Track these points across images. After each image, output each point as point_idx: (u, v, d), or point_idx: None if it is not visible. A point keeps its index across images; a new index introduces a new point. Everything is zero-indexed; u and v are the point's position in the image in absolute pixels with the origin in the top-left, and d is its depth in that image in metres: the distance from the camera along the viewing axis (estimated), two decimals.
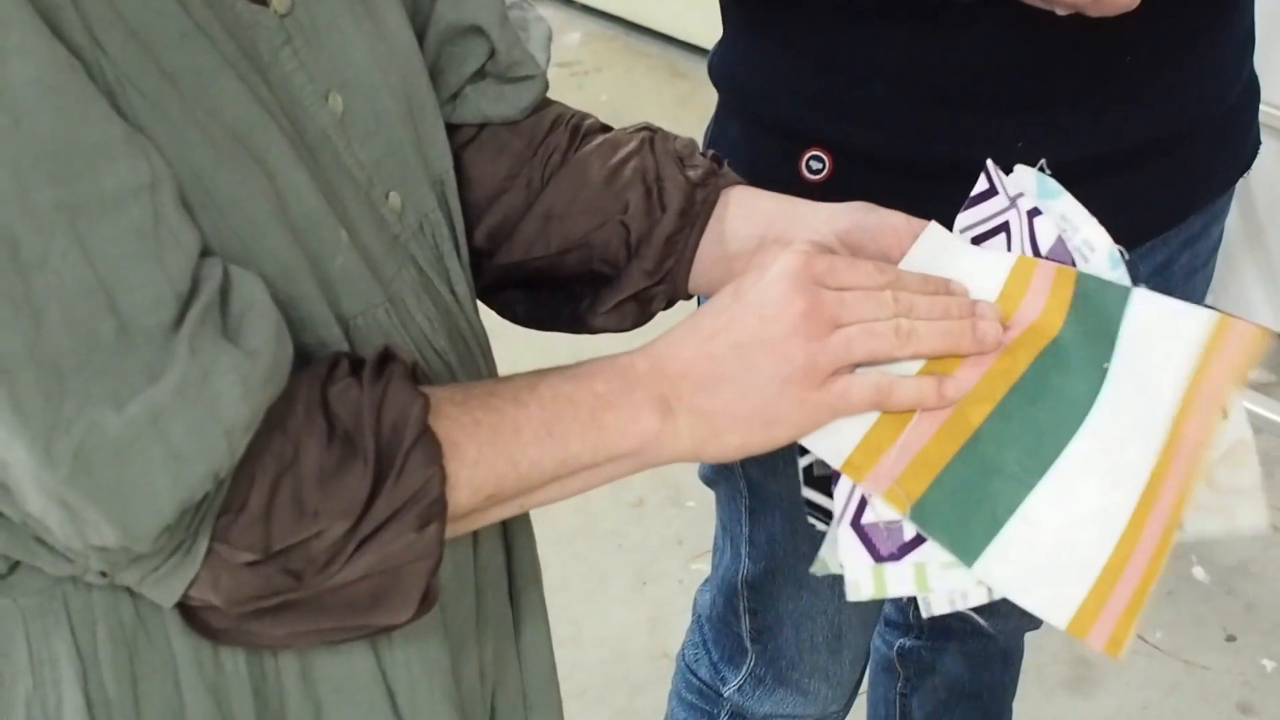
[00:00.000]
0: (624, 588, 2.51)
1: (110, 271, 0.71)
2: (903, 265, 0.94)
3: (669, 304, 1.04)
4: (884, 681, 1.90)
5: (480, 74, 1.00)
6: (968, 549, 0.87)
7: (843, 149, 1.29)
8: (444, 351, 0.93)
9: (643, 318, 1.04)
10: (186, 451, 0.73)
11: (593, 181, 1.01)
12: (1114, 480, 0.89)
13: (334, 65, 0.86)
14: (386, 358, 0.82)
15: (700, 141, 1.41)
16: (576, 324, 1.05)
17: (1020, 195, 0.98)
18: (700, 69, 1.42)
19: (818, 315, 0.85)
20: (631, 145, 1.02)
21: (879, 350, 0.87)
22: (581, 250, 1.02)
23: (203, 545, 0.77)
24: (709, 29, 1.45)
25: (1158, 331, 0.92)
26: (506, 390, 0.85)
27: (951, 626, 1.77)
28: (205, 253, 0.76)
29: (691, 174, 1.01)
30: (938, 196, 1.25)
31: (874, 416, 0.89)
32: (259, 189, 0.80)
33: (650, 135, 1.03)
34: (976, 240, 0.97)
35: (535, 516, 1.03)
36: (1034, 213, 0.97)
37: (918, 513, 0.87)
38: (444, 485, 0.81)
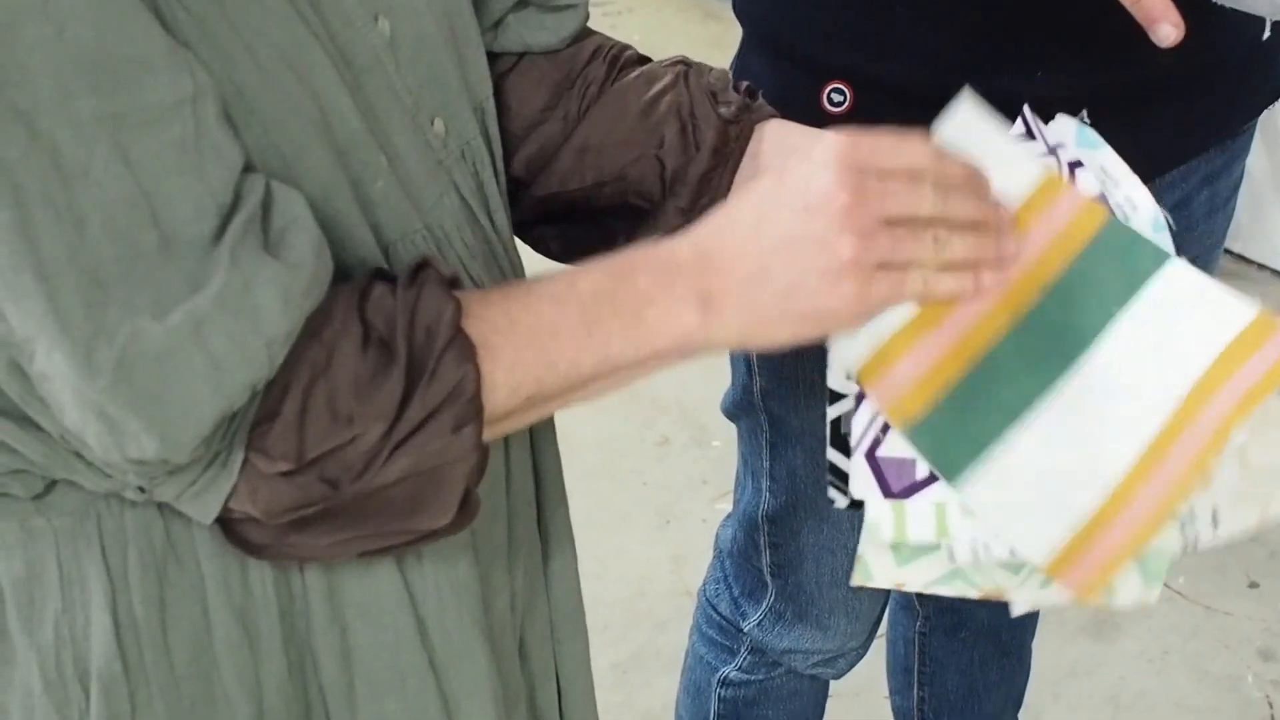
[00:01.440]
0: (647, 526, 2.52)
1: (152, 183, 0.72)
2: (936, 136, 0.92)
3: None
4: (903, 620, 1.90)
5: (523, 2, 1.00)
6: (949, 467, 0.87)
7: (864, 80, 1.28)
8: (480, 280, 0.93)
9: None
10: (227, 361, 0.74)
11: (629, 115, 1.01)
12: (1114, 429, 0.87)
13: None
14: (421, 265, 0.83)
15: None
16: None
17: (1060, 145, 0.95)
18: (731, 10, 1.41)
19: (863, 210, 0.82)
20: (667, 79, 1.02)
21: (917, 255, 0.85)
22: (617, 183, 1.01)
23: (239, 457, 0.78)
24: None
25: (1192, 304, 0.88)
26: (545, 289, 0.84)
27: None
28: (248, 169, 0.76)
29: (724, 111, 1.01)
30: None
31: (894, 323, 0.88)
32: (302, 109, 0.80)
33: (686, 69, 1.03)
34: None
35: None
36: (1075, 165, 0.94)
37: (913, 430, 0.88)
38: (479, 386, 0.80)
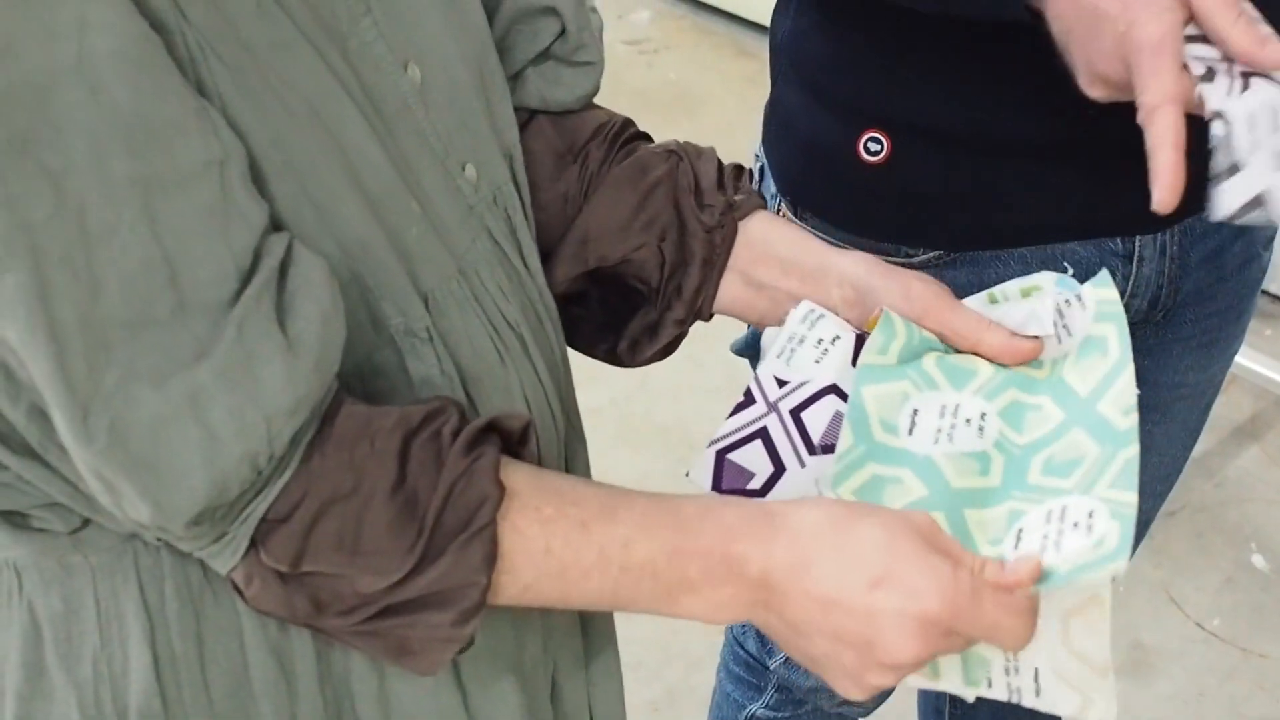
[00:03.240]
0: None
1: (176, 246, 0.71)
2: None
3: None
4: None
5: (544, 55, 1.01)
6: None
7: (903, 128, 1.28)
8: (516, 323, 0.93)
9: (673, 350, 1.06)
10: (223, 433, 0.73)
11: (626, 206, 1.02)
12: None
13: (410, 36, 0.87)
14: (486, 433, 0.81)
15: (763, 112, 1.41)
16: (612, 360, 1.07)
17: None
18: (766, 49, 1.41)
19: (927, 656, 0.82)
20: (660, 171, 1.03)
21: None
22: (619, 266, 1.03)
23: (244, 543, 0.77)
24: None
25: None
26: (599, 534, 0.82)
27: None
28: (272, 228, 0.76)
29: (707, 219, 1.02)
30: (1001, 171, 1.25)
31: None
32: (334, 159, 0.80)
33: (678, 160, 1.03)
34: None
35: None
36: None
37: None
38: (486, 593, 0.80)
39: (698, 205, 1.02)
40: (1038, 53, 1.19)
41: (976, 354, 0.98)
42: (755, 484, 0.95)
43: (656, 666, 2.33)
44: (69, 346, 0.70)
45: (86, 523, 0.83)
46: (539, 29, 1.00)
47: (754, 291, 1.03)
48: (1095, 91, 1.06)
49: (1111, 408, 0.91)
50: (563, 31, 1.00)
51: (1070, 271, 1.01)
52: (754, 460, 0.96)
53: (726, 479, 0.95)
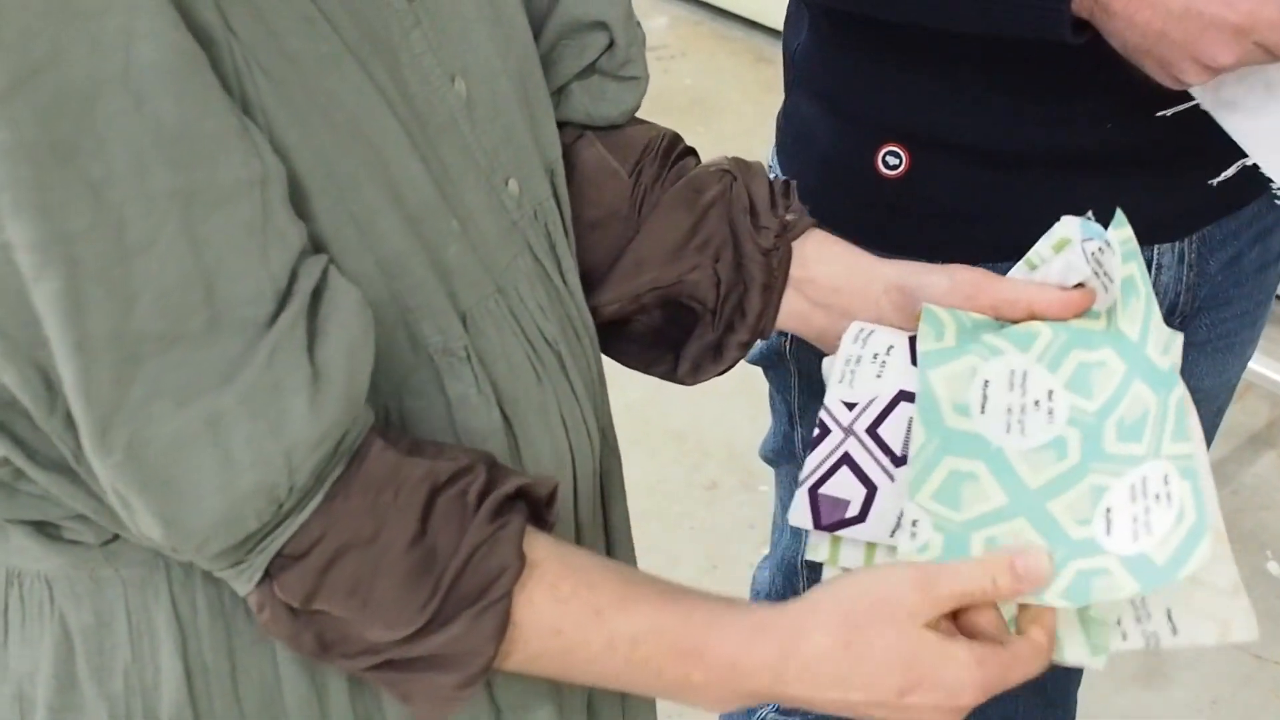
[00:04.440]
0: (695, 570, 2.52)
1: (214, 262, 0.71)
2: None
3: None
4: None
5: (590, 69, 1.01)
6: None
7: (922, 141, 1.28)
8: (554, 340, 0.93)
9: (731, 368, 1.06)
10: (240, 461, 0.72)
11: (681, 228, 1.02)
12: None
13: (457, 50, 0.86)
14: (515, 499, 0.82)
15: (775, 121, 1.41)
16: (671, 379, 1.08)
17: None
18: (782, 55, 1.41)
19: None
20: (714, 191, 1.03)
21: None
22: (672, 287, 1.03)
23: (258, 574, 0.77)
24: None
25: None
26: (612, 622, 0.82)
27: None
28: (309, 251, 0.75)
29: (763, 241, 1.02)
30: (1020, 184, 1.25)
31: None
32: (375, 175, 0.79)
33: (732, 179, 1.04)
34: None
35: None
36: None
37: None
38: (493, 660, 0.80)
39: (754, 228, 1.02)
40: (1055, 65, 1.20)
41: (1032, 319, 0.98)
42: (853, 511, 0.95)
43: None
44: (98, 359, 0.70)
45: (117, 535, 0.83)
46: (587, 43, 0.99)
47: (809, 308, 1.04)
48: (1200, 79, 1.10)
49: (1154, 349, 0.94)
50: (610, 45, 1.00)
51: (1090, 213, 1.01)
52: (845, 488, 0.96)
53: (824, 514, 0.96)
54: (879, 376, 0.99)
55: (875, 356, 0.99)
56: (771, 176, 1.41)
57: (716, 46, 3.96)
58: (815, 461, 0.97)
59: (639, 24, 1.03)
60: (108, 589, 0.85)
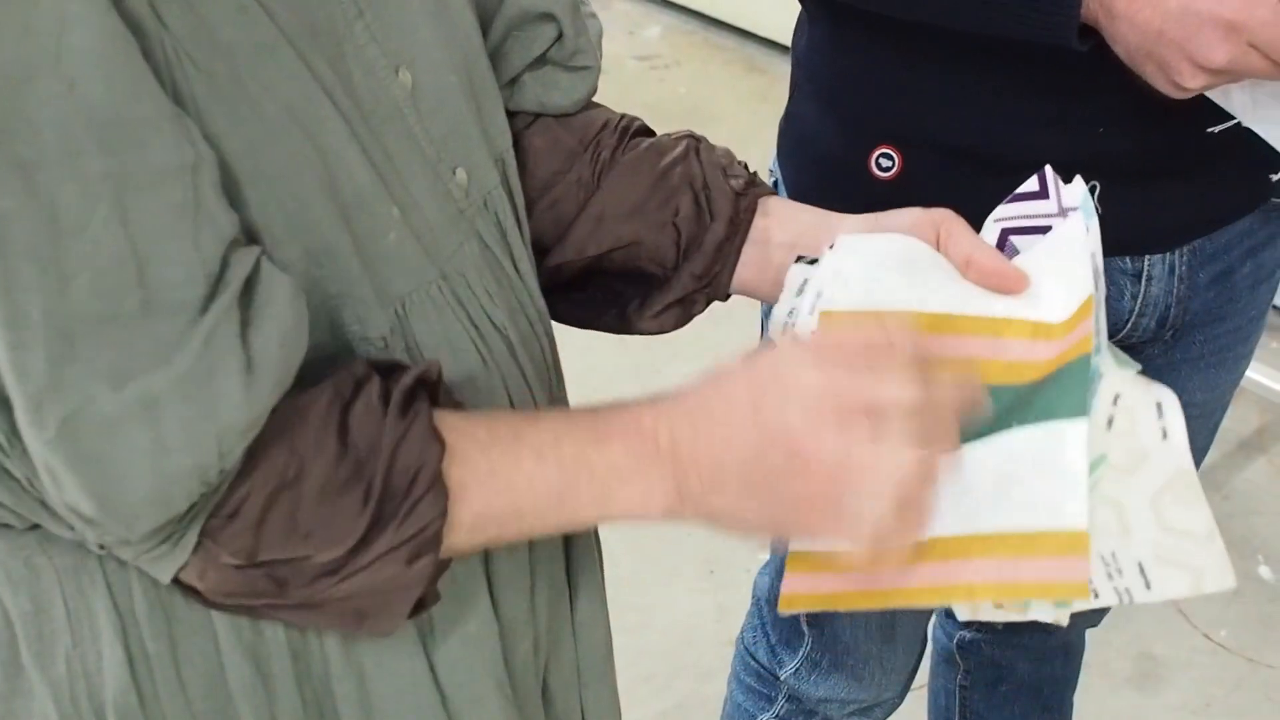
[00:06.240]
0: (692, 576, 2.53)
1: (147, 244, 0.72)
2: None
3: (707, 305, 1.07)
4: (944, 673, 1.91)
5: (542, 60, 1.02)
6: None
7: (916, 143, 1.29)
8: (504, 326, 0.94)
9: (684, 319, 1.06)
10: (173, 444, 0.73)
11: (642, 184, 1.04)
12: (961, 511, 0.88)
13: (402, 41, 0.88)
14: (415, 390, 0.82)
15: (774, 128, 1.43)
16: (622, 326, 1.07)
17: (1073, 209, 0.97)
18: (777, 64, 1.43)
19: (851, 433, 0.80)
20: (677, 150, 1.05)
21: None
22: (631, 248, 1.04)
23: (192, 539, 0.78)
24: (786, 24, 1.45)
25: (1050, 469, 0.87)
26: (531, 438, 0.84)
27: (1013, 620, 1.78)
28: (240, 241, 0.76)
29: (734, 183, 1.04)
30: (1011, 189, 1.25)
31: (872, 305, 0.93)
32: (307, 165, 0.80)
33: (695, 143, 1.06)
34: (1009, 234, 0.97)
35: None
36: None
37: None
38: (443, 527, 0.81)
39: (724, 175, 1.04)
40: (1049, 71, 1.21)
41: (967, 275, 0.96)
42: None
43: (667, 678, 2.34)
44: (30, 338, 0.71)
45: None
46: (536, 34, 1.01)
47: (767, 262, 1.04)
48: (1196, 82, 1.10)
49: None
50: (559, 36, 1.01)
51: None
52: None
53: None
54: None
55: (812, 308, 0.97)
56: (771, 180, 1.44)
57: (710, 55, 3.97)
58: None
59: (592, 15, 1.05)
60: (43, 576, 0.86)
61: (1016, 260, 0.96)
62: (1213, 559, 0.88)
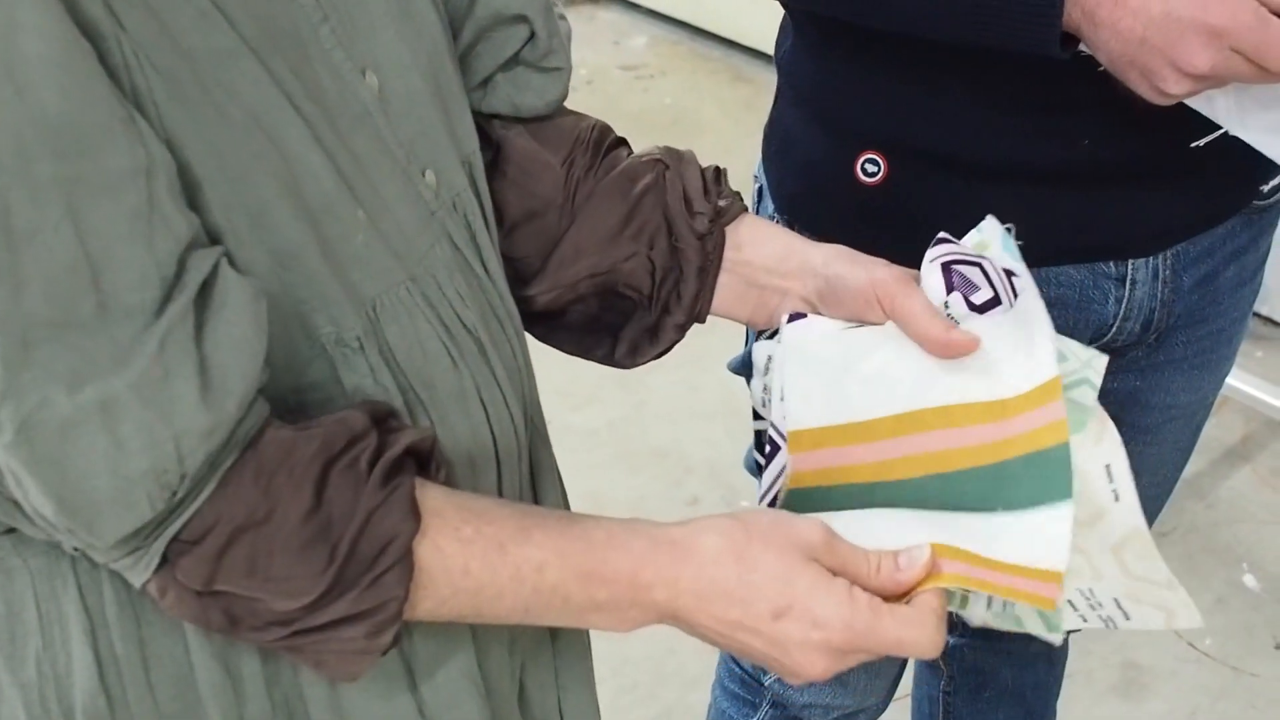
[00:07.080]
0: None
1: (100, 249, 0.72)
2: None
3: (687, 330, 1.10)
4: (928, 679, 1.91)
5: (514, 60, 1.03)
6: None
7: (901, 151, 1.29)
8: (474, 327, 0.94)
9: (668, 350, 1.10)
10: (130, 445, 0.73)
11: (615, 216, 1.05)
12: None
13: (367, 44, 0.88)
14: (403, 461, 0.83)
15: (763, 130, 1.43)
16: (609, 363, 1.11)
17: (984, 256, 1.01)
18: (762, 73, 1.44)
19: (839, 669, 0.88)
20: (648, 179, 1.06)
21: None
22: (608, 275, 1.06)
23: (155, 560, 0.78)
24: (772, 34, 1.44)
25: (1036, 548, 0.91)
26: (514, 554, 0.84)
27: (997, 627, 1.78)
28: (198, 244, 0.76)
29: (698, 226, 1.05)
30: (997, 196, 1.26)
31: (838, 419, 0.98)
32: (270, 168, 0.80)
33: (664, 168, 1.06)
34: (950, 266, 1.00)
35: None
36: (1010, 273, 1.00)
37: (792, 492, 0.98)
38: (404, 607, 0.81)
39: (689, 213, 1.05)
40: (1032, 79, 1.22)
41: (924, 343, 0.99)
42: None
43: (652, 686, 2.34)
44: None
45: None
46: (508, 36, 1.01)
47: (744, 289, 1.07)
48: (1180, 88, 1.10)
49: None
50: (531, 37, 1.01)
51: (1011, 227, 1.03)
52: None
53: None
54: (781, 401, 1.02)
55: (784, 416, 1.02)
56: (755, 187, 1.44)
57: (696, 65, 3.98)
58: (770, 478, 1.00)
59: (562, 17, 1.05)
60: (16, 578, 0.86)
61: (975, 323, 0.99)
62: (1179, 603, 0.94)
